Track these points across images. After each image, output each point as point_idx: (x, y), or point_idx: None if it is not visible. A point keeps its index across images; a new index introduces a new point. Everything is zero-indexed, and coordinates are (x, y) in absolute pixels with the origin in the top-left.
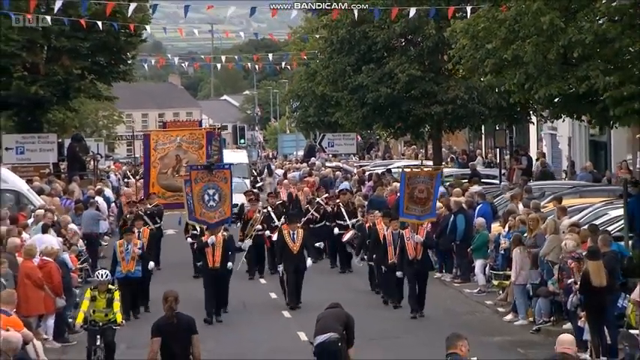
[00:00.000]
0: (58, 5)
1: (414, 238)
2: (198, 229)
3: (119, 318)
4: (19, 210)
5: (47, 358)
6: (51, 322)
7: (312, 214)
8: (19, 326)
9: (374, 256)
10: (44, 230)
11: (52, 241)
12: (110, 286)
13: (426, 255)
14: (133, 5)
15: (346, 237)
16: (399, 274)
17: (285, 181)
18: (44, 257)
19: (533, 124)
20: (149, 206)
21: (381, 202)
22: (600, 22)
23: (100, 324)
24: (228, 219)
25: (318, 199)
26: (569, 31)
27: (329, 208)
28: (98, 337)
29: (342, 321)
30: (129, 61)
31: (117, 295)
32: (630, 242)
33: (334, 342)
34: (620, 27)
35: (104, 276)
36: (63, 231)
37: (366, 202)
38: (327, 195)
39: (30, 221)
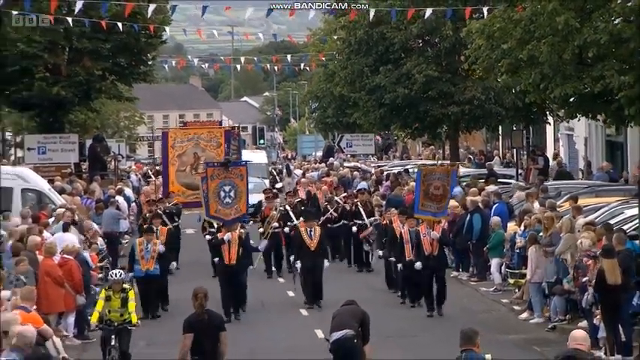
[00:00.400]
0: (78, 6)
1: (430, 235)
2: (216, 226)
3: (134, 319)
4: (40, 209)
5: (67, 355)
6: (71, 319)
7: (330, 213)
8: (38, 323)
9: (391, 253)
10: (65, 229)
11: (72, 239)
12: (125, 285)
13: (442, 252)
14: (152, 6)
15: (364, 233)
16: (417, 265)
17: (304, 179)
18: (65, 255)
19: (550, 124)
20: (168, 205)
21: (398, 201)
22: (615, 22)
23: (116, 324)
24: (244, 216)
25: (336, 198)
26: (585, 31)
27: (347, 207)
28: (113, 337)
29: (358, 318)
30: (149, 62)
31: (132, 294)
32: None
33: (350, 339)
34: (635, 27)
35: (118, 275)
36: (85, 233)
37: (384, 202)
38: (345, 194)
39: (51, 220)
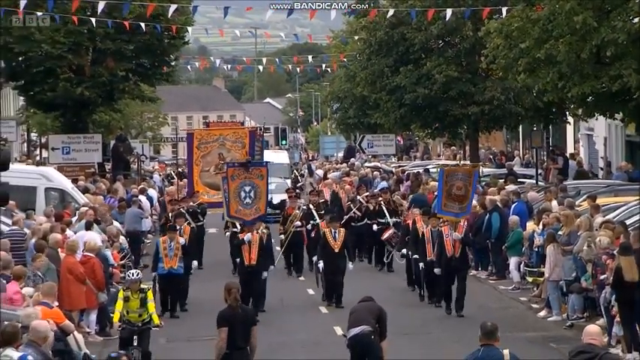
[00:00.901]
0: (101, 6)
1: (453, 235)
2: (239, 226)
3: (156, 319)
4: (63, 208)
5: (89, 351)
6: (93, 316)
7: (354, 212)
8: (60, 318)
9: (410, 252)
10: (87, 227)
11: (94, 237)
12: (142, 285)
13: (464, 252)
14: (173, 7)
15: (385, 235)
16: (437, 271)
17: (328, 180)
18: (86, 253)
19: (570, 124)
20: (192, 204)
21: (423, 200)
22: (634, 21)
23: (138, 325)
24: (263, 215)
25: (359, 198)
26: (602, 31)
27: (370, 207)
28: (135, 337)
29: (375, 314)
30: (172, 63)
31: (150, 295)
32: None
33: (367, 335)
34: None
35: (135, 275)
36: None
37: (408, 201)
38: (367, 193)
39: (74, 219)
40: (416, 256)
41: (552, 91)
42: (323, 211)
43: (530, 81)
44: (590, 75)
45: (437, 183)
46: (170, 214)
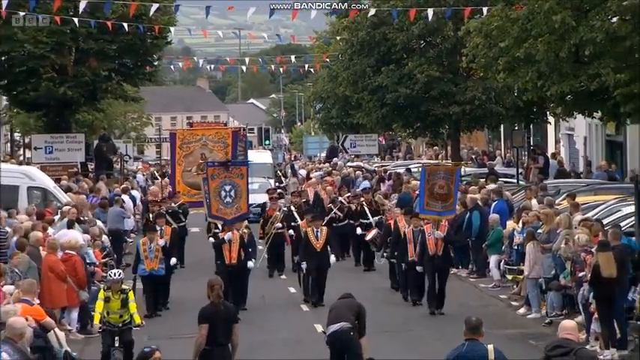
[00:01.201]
0: (82, 5)
1: (435, 234)
2: (220, 227)
3: (137, 319)
4: (45, 206)
5: (70, 348)
6: (75, 314)
7: (335, 212)
8: (40, 315)
9: (395, 253)
10: (69, 226)
11: (76, 235)
12: (123, 286)
13: (447, 251)
14: (155, 6)
15: (369, 236)
16: (419, 268)
17: (312, 180)
18: (68, 250)
19: (550, 124)
20: (174, 205)
21: (410, 199)
22: (612, 20)
23: (118, 326)
24: (245, 214)
25: (340, 199)
26: (581, 30)
27: (353, 207)
28: (117, 338)
29: (354, 311)
30: (155, 63)
31: (131, 295)
32: None
33: (346, 331)
34: (630, 25)
35: (117, 275)
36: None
37: (390, 200)
38: (349, 194)
39: (56, 217)
40: (393, 260)
41: (532, 90)
42: (304, 212)
43: (510, 80)
44: (569, 74)
45: (418, 182)
46: (151, 215)
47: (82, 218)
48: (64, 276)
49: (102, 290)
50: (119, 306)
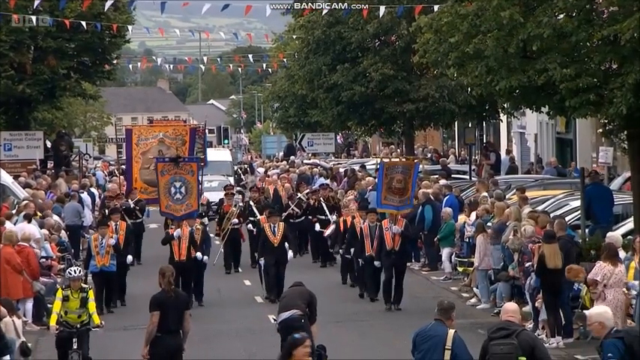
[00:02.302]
0: (36, 3)
1: (392, 229)
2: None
3: (97, 319)
4: (2, 201)
5: (25, 339)
6: (29, 305)
7: (292, 209)
8: None
9: (351, 249)
10: (27, 220)
11: (33, 230)
12: (83, 284)
13: (404, 246)
14: (109, 1)
15: (328, 232)
16: (377, 263)
17: (274, 177)
18: (21, 242)
19: (502, 121)
20: (130, 202)
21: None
22: (559, 17)
23: (77, 326)
24: (195, 211)
25: (299, 195)
26: (529, 26)
27: (311, 202)
28: (75, 340)
29: (305, 299)
30: (113, 62)
31: (91, 294)
32: (587, 230)
33: (297, 319)
34: (576, 22)
35: (77, 272)
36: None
37: (351, 196)
38: (308, 190)
39: (14, 212)
40: (347, 256)
41: (481, 85)
42: (263, 207)
43: (459, 75)
44: (517, 69)
45: (373, 179)
46: (106, 211)
47: (39, 213)
48: (21, 268)
49: (60, 289)
50: (78, 305)
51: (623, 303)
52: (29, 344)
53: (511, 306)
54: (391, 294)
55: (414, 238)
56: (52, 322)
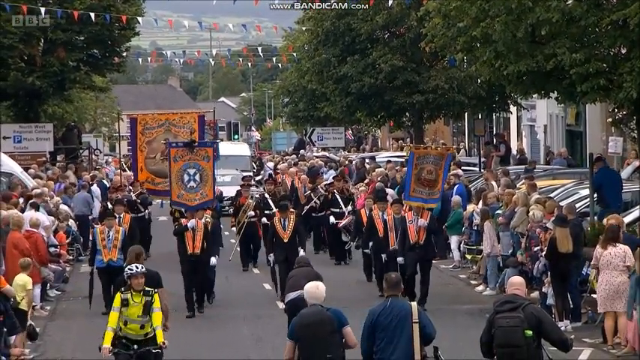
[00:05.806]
0: None
1: (418, 222)
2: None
3: (160, 337)
4: (11, 189)
5: (34, 323)
6: (37, 290)
7: (315, 201)
8: (1, 283)
9: (370, 244)
10: (35, 208)
11: (41, 217)
12: (146, 287)
13: (429, 240)
14: None
15: (343, 223)
16: (400, 260)
17: (292, 169)
18: (29, 228)
19: (512, 113)
20: (132, 195)
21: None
22: (567, 1)
23: (135, 345)
24: (211, 201)
25: (319, 187)
26: (537, 10)
27: (328, 195)
28: None
29: (311, 279)
30: (123, 54)
31: (157, 301)
32: (596, 217)
33: (304, 299)
34: (585, 6)
35: (139, 268)
36: (54, 210)
37: (363, 187)
38: (326, 182)
39: (21, 200)
40: (366, 250)
41: (489, 69)
42: (279, 200)
43: (467, 59)
44: (526, 54)
45: (382, 169)
46: (108, 203)
47: (47, 200)
48: (29, 253)
49: (118, 294)
50: (141, 312)
51: (614, 285)
52: (37, 329)
53: (517, 279)
54: (413, 291)
55: (440, 232)
56: (107, 342)
